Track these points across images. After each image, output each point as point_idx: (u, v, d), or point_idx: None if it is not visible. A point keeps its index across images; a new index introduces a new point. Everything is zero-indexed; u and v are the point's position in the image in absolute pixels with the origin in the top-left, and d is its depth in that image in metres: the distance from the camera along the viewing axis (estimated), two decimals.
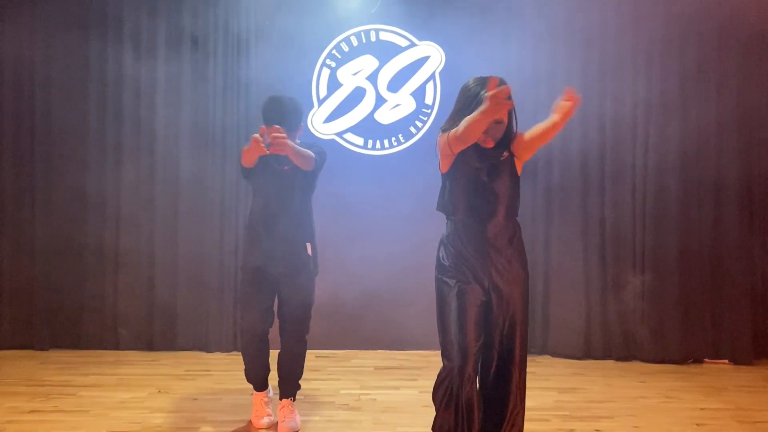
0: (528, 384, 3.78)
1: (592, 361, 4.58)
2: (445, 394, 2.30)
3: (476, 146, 2.36)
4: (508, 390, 2.32)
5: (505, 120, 2.35)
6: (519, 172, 2.45)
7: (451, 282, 2.32)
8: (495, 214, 2.35)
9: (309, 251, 3.11)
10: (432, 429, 2.36)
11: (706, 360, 4.63)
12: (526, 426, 3.05)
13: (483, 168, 2.36)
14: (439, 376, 2.34)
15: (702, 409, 3.55)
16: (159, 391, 3.71)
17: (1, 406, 3.40)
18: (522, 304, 2.36)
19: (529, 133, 2.40)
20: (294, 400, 3.19)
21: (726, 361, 4.60)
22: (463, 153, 2.34)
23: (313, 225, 3.21)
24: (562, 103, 2.29)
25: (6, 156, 4.63)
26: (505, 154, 2.41)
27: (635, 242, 4.62)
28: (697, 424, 3.29)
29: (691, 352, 4.61)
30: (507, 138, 2.42)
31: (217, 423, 3.19)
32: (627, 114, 4.62)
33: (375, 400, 3.61)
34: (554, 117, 2.31)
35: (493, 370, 2.36)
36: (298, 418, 3.15)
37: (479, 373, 2.41)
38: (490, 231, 2.33)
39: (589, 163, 4.64)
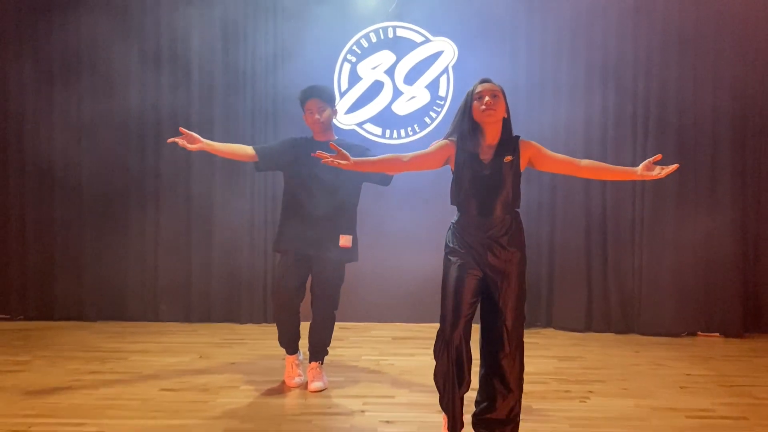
0: (530, 353, 4.21)
1: (593, 334, 4.97)
2: (440, 348, 2.70)
3: (480, 147, 2.71)
4: (500, 359, 2.65)
5: (498, 110, 2.67)
6: (522, 169, 2.80)
7: (453, 259, 2.70)
8: (495, 209, 2.68)
9: (347, 243, 3.47)
10: (433, 377, 2.77)
11: (699, 333, 4.99)
12: (527, 388, 3.48)
13: (486, 169, 2.69)
14: (437, 334, 2.74)
15: (687, 375, 3.92)
16: (200, 357, 4.17)
17: (65, 368, 3.87)
18: (517, 282, 2.68)
19: (573, 164, 2.77)
20: (322, 363, 3.62)
21: (717, 334, 4.96)
22: (466, 155, 2.71)
23: (354, 214, 3.59)
24: (655, 168, 2.70)
25: (55, 148, 5.11)
26: (509, 158, 2.71)
27: (634, 222, 4.98)
28: (680, 387, 3.66)
29: (686, 326, 4.97)
30: (510, 141, 2.75)
31: (255, 383, 3.64)
32: (628, 104, 4.96)
33: (393, 364, 4.05)
34: (632, 173, 2.72)
35: (491, 341, 2.71)
36: (325, 378, 3.59)
37: (483, 349, 2.78)
38: (490, 223, 2.68)
39: (592, 150, 4.98)
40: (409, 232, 5.04)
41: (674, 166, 2.70)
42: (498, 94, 2.69)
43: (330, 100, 3.55)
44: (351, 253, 3.56)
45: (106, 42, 5.04)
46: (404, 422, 3.05)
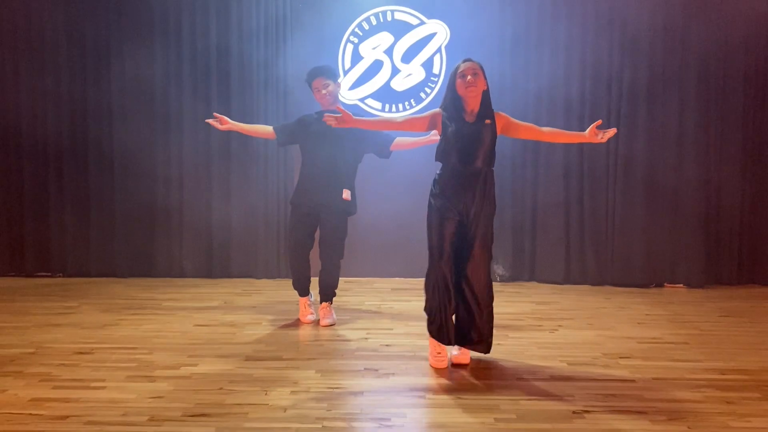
0: (511, 300, 4.87)
1: (570, 285, 5.58)
2: (429, 282, 3.29)
3: (464, 113, 3.27)
4: (474, 288, 3.22)
5: (479, 86, 3.20)
6: (498, 133, 3.35)
7: (435, 203, 3.27)
8: (476, 161, 3.22)
9: (348, 196, 4.07)
10: (424, 309, 3.36)
11: (666, 284, 5.60)
12: (505, 323, 4.11)
13: (469, 127, 3.24)
14: (426, 272, 3.32)
15: (646, 314, 4.53)
16: (225, 303, 4.80)
17: (109, 311, 4.50)
18: (487, 224, 3.22)
19: (537, 130, 3.37)
20: (331, 303, 4.23)
21: (681, 285, 5.58)
22: (453, 118, 3.26)
23: (354, 175, 4.17)
24: (598, 133, 3.29)
25: (90, 129, 5.71)
26: (488, 121, 3.25)
27: (608, 185, 5.57)
28: (638, 323, 4.28)
29: (654, 278, 5.59)
30: (487, 108, 3.28)
31: (274, 320, 4.26)
32: (603, 80, 5.51)
33: (392, 308, 4.67)
34: (583, 136, 3.32)
35: (464, 273, 3.26)
36: (334, 315, 4.20)
37: (457, 278, 3.31)
38: (469, 173, 3.23)
39: (571, 116, 5.55)
40: (406, 196, 5.62)
41: (612, 130, 3.32)
42: (478, 72, 3.24)
43: (332, 76, 4.12)
44: (350, 205, 4.15)
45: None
46: (401, 345, 3.67)
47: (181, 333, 3.92)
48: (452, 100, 3.29)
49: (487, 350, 3.33)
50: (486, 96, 3.30)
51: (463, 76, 3.23)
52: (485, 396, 2.89)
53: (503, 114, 3.35)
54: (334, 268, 4.19)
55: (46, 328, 4.02)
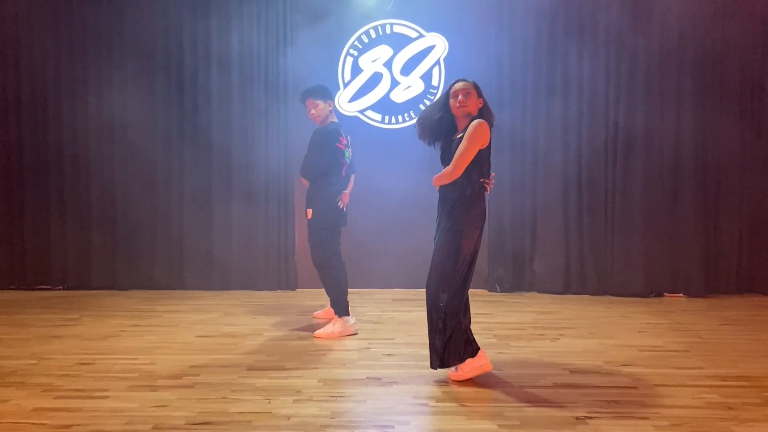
0: (513, 309, 4.88)
1: (571, 296, 5.59)
2: None
3: (456, 131, 3.26)
4: (426, 298, 3.22)
5: (468, 106, 3.18)
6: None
7: None
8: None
9: (309, 215, 4.20)
10: None
11: (666, 294, 5.61)
12: (507, 333, 4.12)
13: (448, 144, 3.25)
14: None
15: (647, 323, 4.54)
16: (225, 314, 4.79)
17: (110, 323, 4.49)
18: (444, 239, 3.16)
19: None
20: (338, 316, 4.16)
21: (681, 294, 5.59)
22: (445, 138, 3.28)
23: (318, 194, 4.16)
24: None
25: (90, 141, 5.73)
26: (459, 135, 3.21)
27: (607, 196, 5.59)
28: (639, 331, 4.29)
29: (654, 288, 5.59)
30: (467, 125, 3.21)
31: (276, 331, 4.25)
32: (600, 95, 5.56)
33: (393, 318, 4.67)
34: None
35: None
36: (330, 330, 4.11)
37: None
38: (440, 192, 3.26)
39: (569, 128, 5.59)
40: (406, 207, 5.65)
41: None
42: (470, 92, 3.20)
43: (321, 96, 4.20)
44: (310, 222, 4.23)
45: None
46: (402, 355, 3.68)
47: (182, 344, 3.92)
48: (446, 120, 3.27)
49: (433, 364, 3.22)
50: (480, 115, 3.20)
51: (455, 96, 3.22)
52: (489, 403, 2.89)
53: (475, 122, 3.13)
54: (319, 273, 4.25)
55: (47, 340, 4.02)
